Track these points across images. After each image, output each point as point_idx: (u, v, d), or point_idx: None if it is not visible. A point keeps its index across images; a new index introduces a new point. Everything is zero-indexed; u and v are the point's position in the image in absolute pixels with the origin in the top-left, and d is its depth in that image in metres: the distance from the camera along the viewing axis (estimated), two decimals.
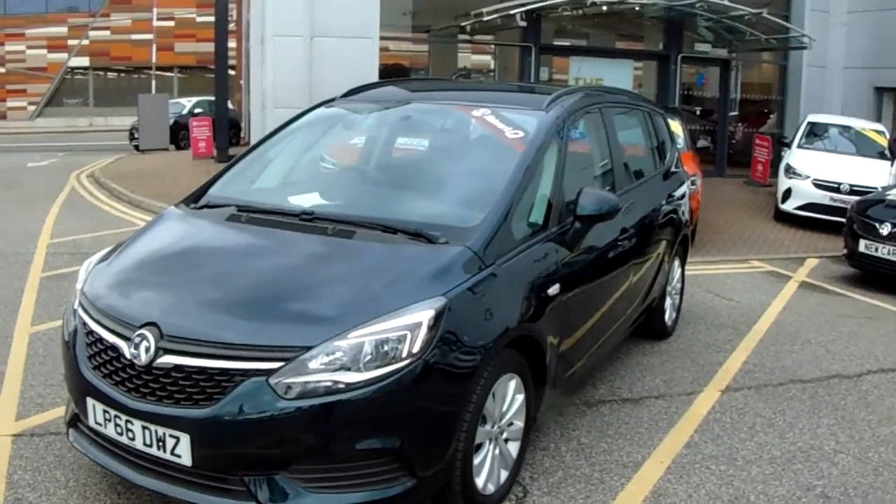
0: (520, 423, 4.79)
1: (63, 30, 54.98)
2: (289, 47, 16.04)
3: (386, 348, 3.91)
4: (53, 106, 55.25)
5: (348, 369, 3.85)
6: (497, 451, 4.62)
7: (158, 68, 52.49)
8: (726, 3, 17.46)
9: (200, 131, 23.11)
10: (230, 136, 23.10)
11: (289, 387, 3.82)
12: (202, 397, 3.90)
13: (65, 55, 55.52)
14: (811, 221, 15.18)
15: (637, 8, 17.71)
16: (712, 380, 6.98)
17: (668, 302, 7.85)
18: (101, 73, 57.05)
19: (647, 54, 22.76)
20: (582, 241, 5.37)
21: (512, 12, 16.97)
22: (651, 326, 7.66)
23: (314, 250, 4.58)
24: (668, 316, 7.96)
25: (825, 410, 6.46)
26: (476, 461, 4.39)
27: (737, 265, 12.04)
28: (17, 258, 10.57)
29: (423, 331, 3.97)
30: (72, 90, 56.49)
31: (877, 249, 10.81)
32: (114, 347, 4.19)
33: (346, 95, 6.50)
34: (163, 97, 31.90)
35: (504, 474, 4.72)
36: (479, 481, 4.45)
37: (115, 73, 57.66)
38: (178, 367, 3.95)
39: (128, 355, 4.08)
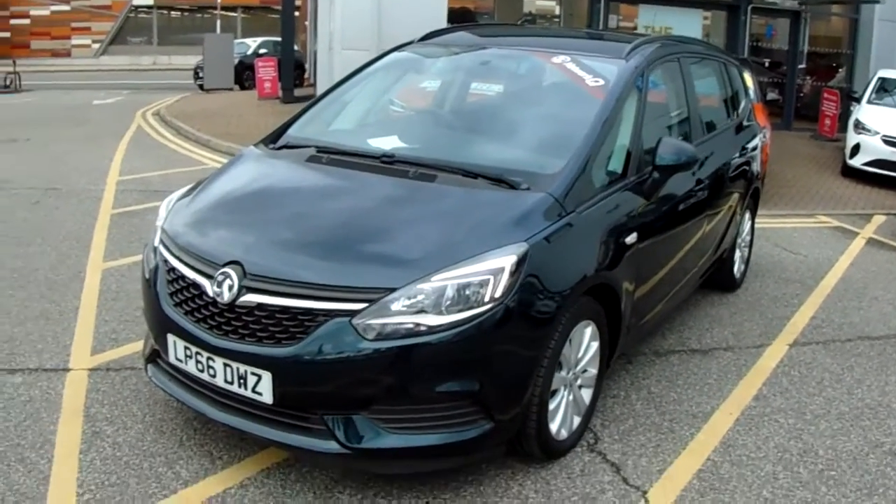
0: (593, 371, 4.83)
1: None
2: None
3: (468, 292, 3.94)
4: (117, 44, 55.48)
5: (430, 312, 3.89)
6: (571, 398, 4.65)
7: (223, 8, 52.53)
8: None
9: (266, 72, 23.19)
10: (294, 76, 23.19)
11: (371, 328, 3.86)
12: (285, 336, 3.95)
13: None
14: (879, 178, 14.94)
15: None
16: (780, 334, 6.96)
17: (737, 254, 7.82)
18: (165, 11, 57.16)
19: (716, 4, 22.37)
20: (659, 191, 5.36)
21: None
22: (720, 278, 7.63)
23: (396, 193, 4.62)
24: (737, 268, 7.93)
25: (893, 368, 6.43)
26: (551, 407, 4.43)
27: (804, 219, 11.91)
28: (88, 195, 10.75)
29: (506, 276, 4.00)
30: (136, 29, 56.66)
31: None
32: (196, 285, 4.25)
33: (423, 39, 6.49)
34: (228, 37, 32.01)
35: (577, 420, 4.76)
36: (553, 427, 4.49)
37: (179, 13, 57.78)
38: (261, 306, 4.00)
39: (210, 293, 4.14)
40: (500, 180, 4.60)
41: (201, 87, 29.17)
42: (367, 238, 4.28)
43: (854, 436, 5.26)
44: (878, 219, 12.40)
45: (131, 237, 8.65)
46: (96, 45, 55.12)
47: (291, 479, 4.38)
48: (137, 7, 56.17)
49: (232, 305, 4.06)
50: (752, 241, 8.45)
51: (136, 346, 5.82)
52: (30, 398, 5.12)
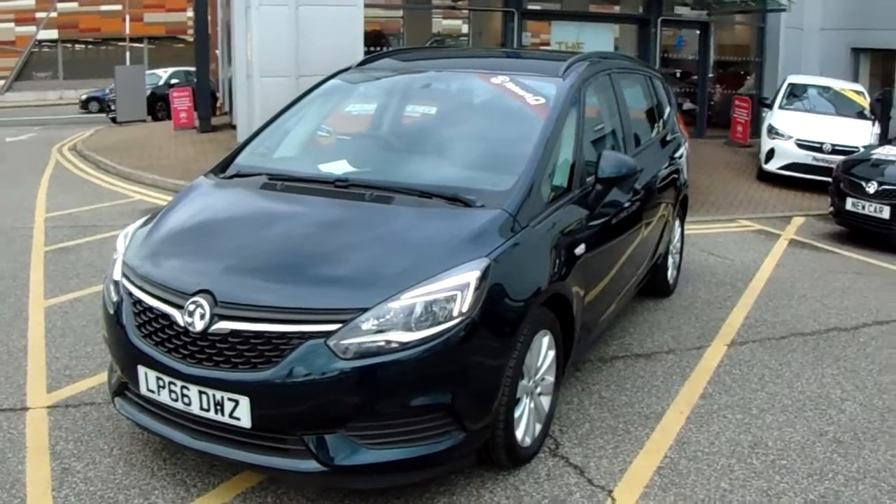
0: (551, 378, 5.00)
1: (31, 2, 54.30)
2: (275, 16, 15.94)
3: (436, 309, 4.08)
4: (23, 80, 54.66)
5: (401, 329, 4.02)
6: (532, 405, 4.81)
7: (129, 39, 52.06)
8: None
9: (181, 102, 22.99)
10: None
11: (346, 348, 3.98)
12: (260, 361, 4.04)
13: (33, 28, 54.89)
14: (794, 181, 15.47)
15: None
16: (717, 335, 7.23)
17: (669, 261, 8.09)
18: (70, 45, 56.47)
19: (627, 18, 22.85)
20: (602, 203, 5.58)
21: None
22: (655, 284, 7.89)
23: (356, 216, 4.75)
24: (670, 274, 8.20)
25: (828, 361, 6.74)
26: (516, 415, 4.59)
27: (726, 224, 12.31)
28: (16, 233, 10.61)
29: (471, 291, 4.16)
30: (41, 63, 55.85)
31: (863, 207, 11.13)
32: (165, 315, 4.30)
33: (362, 64, 6.64)
34: (139, 68, 31.75)
35: (538, 427, 4.93)
36: (519, 434, 4.65)
37: (84, 45, 57.09)
38: (234, 333, 4.09)
39: (181, 323, 4.20)
40: (455, 199, 4.76)
41: (114, 119, 28.87)
42: (333, 261, 4.40)
43: (799, 426, 5.53)
44: (798, 220, 12.85)
45: (69, 273, 8.61)
46: (1, 82, 54.21)
47: (269, 502, 4.46)
48: (42, 42, 55.37)
49: (205, 333, 4.13)
50: (682, 247, 8.73)
51: (92, 382, 5.85)
52: None
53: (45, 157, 18.87)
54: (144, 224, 5.22)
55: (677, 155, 8.03)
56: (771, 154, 15.83)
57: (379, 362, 3.99)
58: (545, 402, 5.00)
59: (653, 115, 7.85)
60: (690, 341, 7.03)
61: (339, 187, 5.01)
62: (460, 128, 5.83)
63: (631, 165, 5.51)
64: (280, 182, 5.21)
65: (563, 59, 6.14)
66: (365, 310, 4.03)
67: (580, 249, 5.16)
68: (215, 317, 4.13)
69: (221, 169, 5.68)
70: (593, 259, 5.41)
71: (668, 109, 8.24)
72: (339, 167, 5.50)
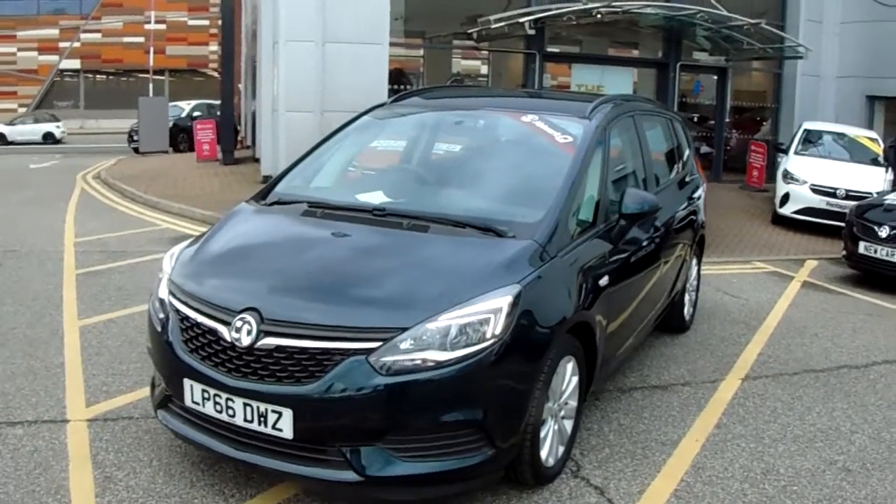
0: (574, 403, 5.22)
1: (54, 32, 55.13)
2: (301, 52, 16.29)
3: (470, 331, 4.33)
4: (44, 108, 55.31)
5: (437, 349, 4.27)
6: (556, 427, 5.03)
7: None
8: (725, 13, 17.90)
9: (205, 134, 23.44)
10: None
11: (385, 365, 4.22)
12: (304, 375, 4.27)
13: (56, 57, 55.67)
14: (808, 225, 15.73)
15: (640, 19, 18.18)
16: (732, 369, 7.46)
17: (686, 298, 8.31)
18: (92, 75, 57.18)
19: (646, 62, 23.18)
20: (624, 238, 5.83)
21: (521, 20, 17.32)
22: (672, 321, 8.11)
23: (394, 242, 5.00)
24: (687, 311, 8.42)
25: (838, 396, 6.95)
26: (541, 435, 4.81)
27: (741, 266, 12.55)
28: (48, 256, 10.96)
29: (503, 315, 4.40)
30: (63, 93, 56.61)
31: (876, 251, 11.33)
32: (212, 331, 4.54)
33: (395, 101, 6.95)
34: (162, 100, 32.29)
35: (561, 449, 5.14)
36: (543, 454, 4.87)
37: (106, 76, 57.79)
38: (280, 348, 4.32)
39: (228, 338, 4.44)
40: (488, 229, 5.02)
41: (136, 150, 29.30)
42: (373, 283, 4.64)
43: (810, 455, 5.74)
44: (811, 263, 13.06)
45: (101, 296, 8.89)
46: (22, 110, 54.80)
47: None
48: (64, 71, 56.06)
49: (251, 349, 4.36)
50: (698, 285, 8.96)
51: (129, 398, 6.10)
52: (35, 448, 5.31)
53: (70, 184, 19.31)
54: (189, 245, 5.48)
55: (695, 196, 8.28)
56: (786, 198, 16.10)
57: (415, 379, 4.22)
58: (567, 425, 5.22)
59: (673, 156, 8.10)
60: (706, 375, 7.25)
61: (377, 216, 5.29)
62: (491, 162, 6.10)
63: (653, 203, 5.77)
64: (319, 209, 5.48)
65: (588, 101, 6.40)
66: (404, 329, 4.27)
67: (604, 281, 5.41)
68: (261, 333, 4.36)
69: (262, 196, 5.95)
70: (615, 292, 5.65)
71: (687, 152, 8.49)
72: (375, 197, 5.77)
